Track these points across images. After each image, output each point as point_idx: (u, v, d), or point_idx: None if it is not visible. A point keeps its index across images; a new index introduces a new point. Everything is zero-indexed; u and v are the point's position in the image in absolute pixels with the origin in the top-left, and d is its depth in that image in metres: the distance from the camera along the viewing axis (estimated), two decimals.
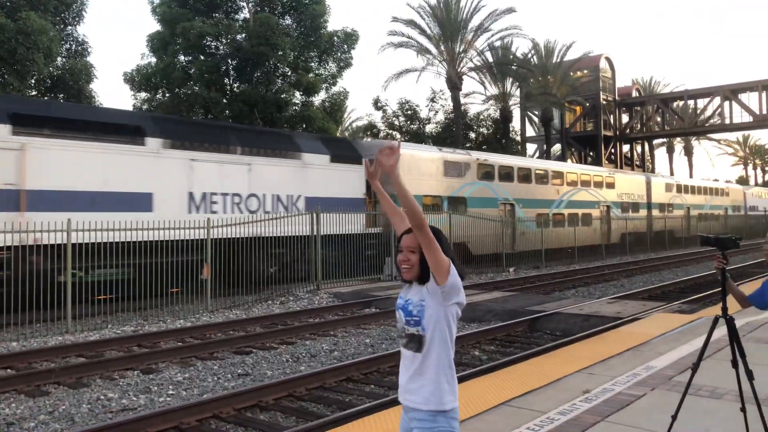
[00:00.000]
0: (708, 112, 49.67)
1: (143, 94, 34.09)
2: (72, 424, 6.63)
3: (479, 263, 22.80)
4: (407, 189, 2.57)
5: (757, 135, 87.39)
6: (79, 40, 30.19)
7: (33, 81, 27.09)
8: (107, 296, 13.62)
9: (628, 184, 36.59)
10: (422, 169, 22.74)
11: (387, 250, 19.54)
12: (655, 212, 38.52)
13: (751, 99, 46.93)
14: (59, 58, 28.32)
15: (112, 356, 9.62)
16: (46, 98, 27.32)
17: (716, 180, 64.34)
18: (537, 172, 29.12)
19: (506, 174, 27.13)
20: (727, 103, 47.80)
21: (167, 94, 33.56)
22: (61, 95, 28.78)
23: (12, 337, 11.24)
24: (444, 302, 2.61)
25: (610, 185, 34.52)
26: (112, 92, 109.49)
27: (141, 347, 10.49)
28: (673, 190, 41.89)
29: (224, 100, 32.77)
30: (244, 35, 32.76)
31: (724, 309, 4.14)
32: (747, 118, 47.22)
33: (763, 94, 45.92)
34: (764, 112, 45.93)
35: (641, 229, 35.99)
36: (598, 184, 33.48)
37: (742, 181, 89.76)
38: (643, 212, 37.54)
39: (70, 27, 29.56)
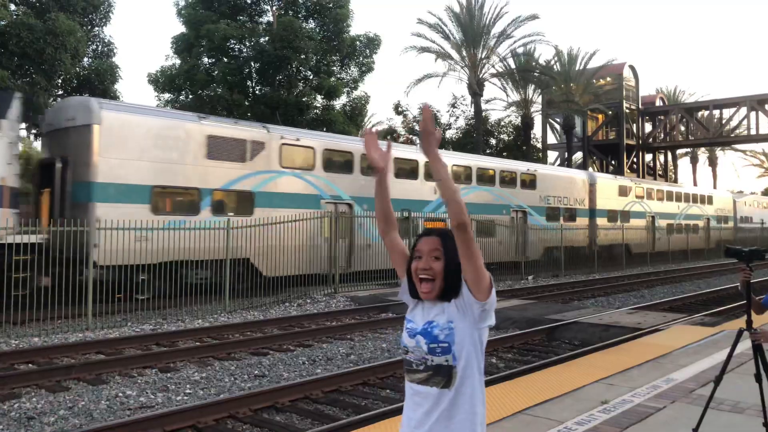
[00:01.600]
0: (734, 123, 48.95)
1: (167, 95, 34.52)
2: (91, 419, 6.70)
3: (498, 271, 22.65)
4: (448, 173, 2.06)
5: None
6: (106, 41, 30.68)
7: (60, 81, 27.55)
8: (127, 294, 13.78)
9: (557, 183, 28.75)
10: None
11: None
12: (603, 221, 31.07)
13: None
14: (86, 59, 28.79)
15: (130, 354, 9.71)
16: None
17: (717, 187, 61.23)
18: (397, 160, 21.22)
19: (332, 162, 19.32)
20: (753, 114, 47.05)
21: (190, 96, 33.95)
22: (87, 95, 29.23)
23: (34, 332, 11.41)
24: (479, 323, 2.12)
25: (529, 184, 27.04)
26: (136, 93, 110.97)
27: (159, 346, 10.58)
28: (630, 194, 34.40)
29: (246, 103, 33.06)
30: (267, 38, 33.03)
31: (749, 322, 4.06)
32: None
33: None
34: None
35: (580, 242, 28.47)
36: (509, 182, 25.96)
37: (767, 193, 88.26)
38: (582, 221, 29.81)
39: (97, 28, 30.04)
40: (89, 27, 29.20)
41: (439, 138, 2.11)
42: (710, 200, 44.11)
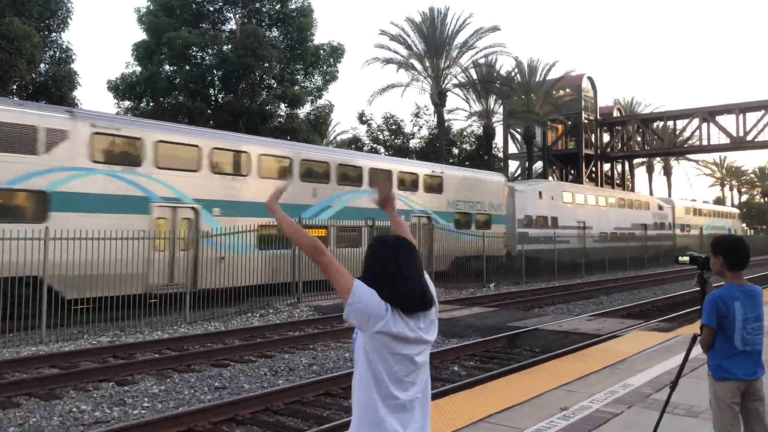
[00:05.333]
0: (687, 133, 50.53)
1: (127, 103, 33.92)
2: None
3: (460, 279, 22.80)
4: (287, 218, 2.36)
5: (733, 156, 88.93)
6: (64, 47, 30.03)
7: (15, 87, 26.82)
8: (83, 306, 13.40)
9: (468, 187, 25.94)
10: None
11: None
12: (530, 229, 29.32)
13: (728, 121, 47.87)
14: (42, 65, 28.11)
15: (86, 367, 9.44)
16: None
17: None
18: (264, 157, 18.36)
19: (169, 156, 16.24)
20: (705, 125, 48.69)
21: (151, 103, 33.42)
22: (44, 102, 28.50)
23: None
24: (362, 331, 2.27)
25: (435, 188, 24.53)
26: (95, 100, 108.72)
27: (117, 358, 10.32)
28: (558, 199, 32.02)
29: (209, 111, 32.70)
30: (230, 46, 32.79)
31: (702, 327, 4.15)
32: (724, 140, 48.12)
33: (740, 117, 46.84)
34: (741, 134, 46.84)
35: (495, 251, 25.86)
36: (410, 185, 23.29)
37: (719, 201, 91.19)
38: (500, 228, 27.33)
39: (54, 34, 29.38)
40: (46, 32, 28.54)
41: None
42: (647, 206, 42.22)
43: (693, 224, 49.28)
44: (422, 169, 24.75)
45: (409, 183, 23.38)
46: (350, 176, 21.03)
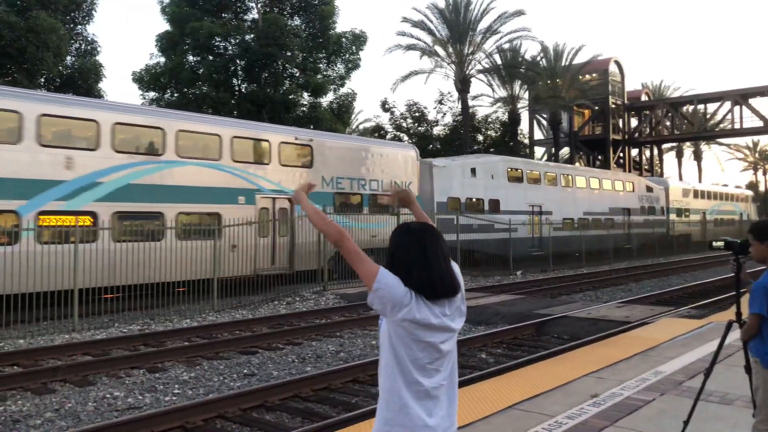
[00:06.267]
0: (718, 117, 49.39)
1: (152, 94, 34.26)
2: (78, 422, 6.62)
3: (486, 267, 22.66)
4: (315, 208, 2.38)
5: (766, 140, 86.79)
6: (89, 39, 30.43)
7: (42, 80, 27.26)
8: (114, 295, 13.65)
9: (356, 160, 20.34)
10: None
11: None
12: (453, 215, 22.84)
13: (761, 104, 46.68)
14: (69, 57, 28.51)
15: (118, 355, 9.61)
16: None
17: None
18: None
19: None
20: (737, 108, 47.51)
21: (176, 94, 33.72)
22: (71, 93, 28.93)
23: (19, 334, 11.27)
24: (386, 318, 2.28)
25: (301, 160, 18.87)
26: (120, 91, 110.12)
27: (147, 346, 10.49)
28: (499, 177, 26.33)
29: (232, 101, 32.88)
30: (252, 36, 32.87)
31: (738, 314, 4.07)
32: (757, 123, 46.89)
33: None
34: None
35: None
36: (255, 156, 17.77)
37: (751, 186, 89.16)
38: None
39: (79, 26, 29.76)
40: (71, 25, 28.90)
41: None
42: (631, 187, 36.14)
43: (693, 208, 43.27)
44: (277, 134, 18.48)
45: (254, 153, 17.74)
46: (138, 142, 15.58)
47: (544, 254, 25.82)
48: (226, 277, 15.08)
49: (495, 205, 25.64)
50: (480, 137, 46.47)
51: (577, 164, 46.87)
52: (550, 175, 29.82)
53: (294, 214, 17.83)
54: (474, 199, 25.03)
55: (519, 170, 27.92)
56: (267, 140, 18.01)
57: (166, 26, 33.79)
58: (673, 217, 39.65)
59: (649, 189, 37.83)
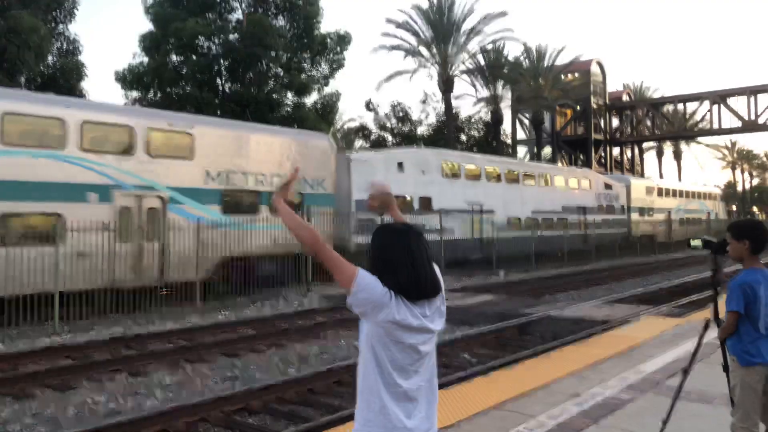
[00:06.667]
0: (697, 117, 50.04)
1: (134, 93, 33.94)
2: (57, 427, 6.55)
3: (469, 267, 22.74)
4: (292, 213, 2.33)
5: (744, 140, 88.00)
6: (71, 38, 30.04)
7: (23, 79, 26.90)
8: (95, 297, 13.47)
9: (254, 152, 17.39)
10: None
11: None
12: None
13: (739, 104, 47.31)
14: (50, 57, 28.15)
15: (99, 358, 9.52)
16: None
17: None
18: None
19: None
20: (716, 108, 48.19)
21: (159, 94, 33.43)
22: (53, 93, 28.59)
23: None
24: (366, 319, 2.27)
25: (177, 151, 15.73)
26: (103, 91, 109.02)
27: (129, 349, 10.40)
28: (430, 173, 23.99)
29: (216, 101, 32.66)
30: (236, 35, 32.69)
31: (716, 313, 4.13)
32: (736, 123, 47.59)
33: (752, 99, 46.28)
34: (752, 117, 46.30)
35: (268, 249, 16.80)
36: (114, 146, 14.77)
37: (730, 185, 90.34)
38: (322, 215, 18.20)
39: (61, 25, 29.40)
40: (53, 24, 28.55)
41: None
42: (588, 185, 33.51)
43: (658, 207, 40.64)
44: (143, 118, 15.53)
45: (112, 141, 14.79)
46: None
47: (484, 258, 23.44)
48: (72, 290, 12.73)
49: (426, 204, 22.88)
50: (463, 137, 46.64)
51: (527, 159, 44.31)
52: (493, 170, 27.12)
53: (167, 214, 14.82)
54: (401, 197, 21.85)
55: (455, 165, 25.32)
56: (130, 126, 14.76)
57: (149, 26, 33.49)
58: (635, 216, 37.40)
59: (608, 186, 35.47)
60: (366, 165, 21.54)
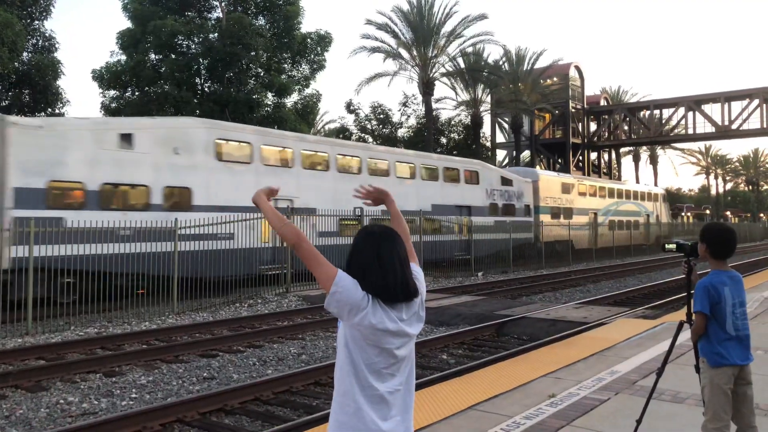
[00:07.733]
0: (673, 122, 50.85)
1: (112, 92, 33.56)
2: (29, 429, 6.44)
3: (448, 268, 22.85)
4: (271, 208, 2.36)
5: (718, 145, 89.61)
6: (47, 35, 29.61)
7: None
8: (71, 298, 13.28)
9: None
10: None
11: None
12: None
13: (713, 110, 48.23)
14: (25, 53, 27.71)
15: (73, 359, 9.38)
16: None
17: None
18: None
19: None
20: (690, 114, 49.07)
21: (137, 93, 33.09)
22: (27, 91, 28.14)
23: None
24: (343, 321, 2.28)
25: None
26: (80, 89, 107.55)
27: (104, 349, 10.27)
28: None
29: (195, 100, 32.40)
30: (216, 35, 32.48)
31: (689, 314, 4.19)
32: (710, 129, 48.47)
33: (725, 106, 47.19)
34: (726, 123, 47.20)
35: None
36: None
37: (704, 189, 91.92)
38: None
39: (37, 21, 28.96)
40: (28, 20, 28.12)
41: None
42: (471, 178, 26.80)
43: (579, 207, 34.69)
44: None
45: None
46: None
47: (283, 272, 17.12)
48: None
49: (183, 198, 16.62)
50: (443, 140, 46.84)
51: (378, 145, 35.22)
52: (313, 154, 20.22)
53: None
54: (125, 187, 15.77)
55: (244, 144, 18.29)
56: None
57: (127, 24, 33.14)
58: (545, 218, 31.04)
59: (507, 182, 28.91)
60: (51, 135, 14.41)
